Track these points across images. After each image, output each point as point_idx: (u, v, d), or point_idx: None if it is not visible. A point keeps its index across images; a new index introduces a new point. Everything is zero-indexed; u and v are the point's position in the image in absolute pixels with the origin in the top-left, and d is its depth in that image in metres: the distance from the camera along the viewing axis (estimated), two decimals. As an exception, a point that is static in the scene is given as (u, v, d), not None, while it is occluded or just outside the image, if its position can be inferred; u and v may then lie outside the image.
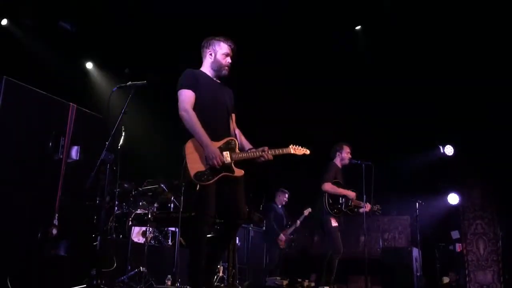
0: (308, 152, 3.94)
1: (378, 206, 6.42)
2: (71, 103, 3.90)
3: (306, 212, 8.28)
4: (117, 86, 3.83)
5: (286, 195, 8.67)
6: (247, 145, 3.82)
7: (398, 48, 7.64)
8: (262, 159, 3.66)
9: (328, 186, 6.01)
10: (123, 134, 5.12)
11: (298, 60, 8.04)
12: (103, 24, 7.57)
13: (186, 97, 3.61)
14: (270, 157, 3.67)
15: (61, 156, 3.76)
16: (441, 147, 9.77)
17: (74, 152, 3.89)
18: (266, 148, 3.68)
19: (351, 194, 6.08)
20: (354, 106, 8.75)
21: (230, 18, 6.86)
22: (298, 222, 8.35)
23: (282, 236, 8.16)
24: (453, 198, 9.71)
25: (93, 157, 3.73)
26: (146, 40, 7.93)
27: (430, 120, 9.12)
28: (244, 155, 3.66)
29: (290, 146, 3.87)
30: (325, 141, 6.54)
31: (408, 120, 8.86)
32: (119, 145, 5.20)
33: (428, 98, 8.74)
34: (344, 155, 6.28)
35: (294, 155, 3.86)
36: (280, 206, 8.61)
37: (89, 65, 8.81)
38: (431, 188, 9.49)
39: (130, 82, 3.71)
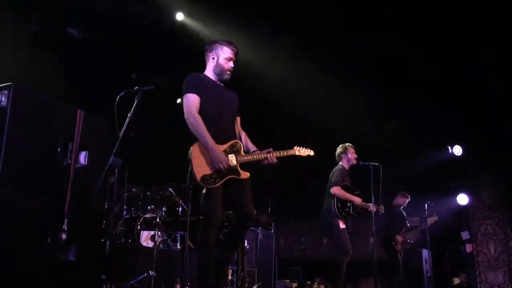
0: (312, 153, 3.96)
1: (382, 206, 6.44)
2: (78, 109, 3.92)
3: (432, 220, 7.65)
4: (124, 91, 3.85)
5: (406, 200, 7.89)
6: (252, 147, 3.84)
7: (402, 47, 7.60)
8: (267, 161, 3.69)
9: (337, 190, 6.00)
10: (132, 139, 5.16)
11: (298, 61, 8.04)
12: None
13: (192, 101, 3.64)
14: (275, 159, 3.70)
15: (70, 162, 3.79)
16: (449, 148, 9.72)
17: (83, 157, 3.91)
18: (270, 150, 3.71)
19: (357, 201, 6.06)
20: (361, 106, 8.73)
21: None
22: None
23: (398, 238, 7.62)
24: (462, 199, 9.67)
25: (101, 162, 3.75)
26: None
27: (438, 120, 9.08)
28: (249, 157, 3.69)
29: (295, 148, 3.89)
30: (332, 141, 6.53)
31: (416, 120, 8.83)
32: (128, 150, 5.25)
33: (437, 98, 8.71)
34: (350, 156, 6.25)
35: (299, 156, 3.88)
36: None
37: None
38: (440, 188, 9.46)
39: (137, 87, 3.72)
